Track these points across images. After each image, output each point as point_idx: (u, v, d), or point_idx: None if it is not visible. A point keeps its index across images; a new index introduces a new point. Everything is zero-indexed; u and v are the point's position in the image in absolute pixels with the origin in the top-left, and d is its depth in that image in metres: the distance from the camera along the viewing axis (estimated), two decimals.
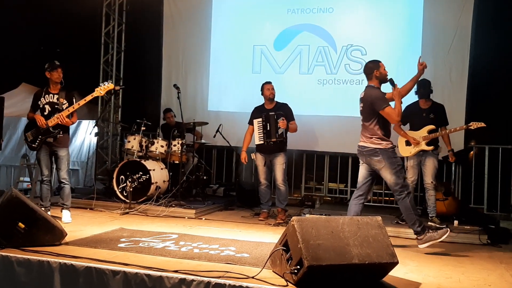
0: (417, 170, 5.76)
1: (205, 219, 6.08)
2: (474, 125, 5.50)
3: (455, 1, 6.93)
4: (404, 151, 5.80)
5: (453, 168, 7.12)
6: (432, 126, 5.67)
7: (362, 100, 4.71)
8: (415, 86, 5.76)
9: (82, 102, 5.37)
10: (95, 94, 5.38)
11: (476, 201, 7.03)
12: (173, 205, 6.32)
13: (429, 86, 5.74)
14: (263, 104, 6.22)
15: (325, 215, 5.83)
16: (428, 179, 5.67)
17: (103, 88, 5.38)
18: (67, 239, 4.33)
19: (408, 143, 5.76)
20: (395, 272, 3.56)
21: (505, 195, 6.74)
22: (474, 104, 6.82)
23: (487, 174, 6.81)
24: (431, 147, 5.65)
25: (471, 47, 6.79)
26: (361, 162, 4.76)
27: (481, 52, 6.82)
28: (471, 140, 7.05)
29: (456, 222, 5.57)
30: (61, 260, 3.69)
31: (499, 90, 6.93)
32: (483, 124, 5.43)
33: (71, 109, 5.38)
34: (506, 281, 3.75)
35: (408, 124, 5.92)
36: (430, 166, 5.67)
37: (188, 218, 6.05)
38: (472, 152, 7.17)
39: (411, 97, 5.82)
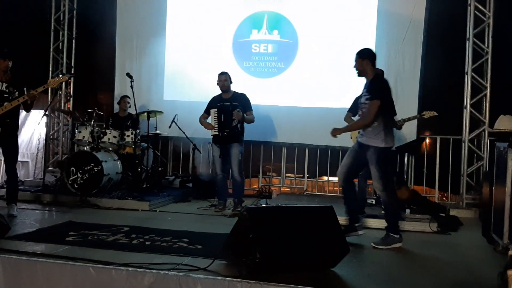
0: None
1: (159, 211, 5.97)
2: (427, 114, 5.58)
3: None
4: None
5: (405, 158, 7.26)
6: None
7: None
8: None
9: (33, 92, 5.12)
10: (47, 85, 5.20)
11: (428, 190, 7.22)
12: (127, 197, 6.16)
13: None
14: (221, 94, 6.14)
15: (280, 205, 5.82)
16: None
17: (56, 80, 5.26)
18: (11, 233, 4.15)
19: None
20: (347, 261, 3.58)
21: (455, 184, 6.94)
22: (427, 95, 6.96)
23: (438, 163, 6.98)
24: None
25: (424, 38, 6.91)
26: None
27: (433, 43, 6.95)
28: (425, 131, 7.22)
29: (407, 210, 5.68)
30: (4, 256, 3.53)
31: (450, 81, 7.10)
32: (435, 113, 5.54)
33: (21, 100, 5.13)
34: (453, 268, 3.85)
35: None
36: None
37: (142, 210, 5.90)
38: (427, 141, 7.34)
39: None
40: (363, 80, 6.54)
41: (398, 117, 5.80)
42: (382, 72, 4.61)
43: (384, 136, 4.39)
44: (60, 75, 5.23)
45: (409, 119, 5.80)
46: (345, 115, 5.94)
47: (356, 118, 5.88)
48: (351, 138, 5.97)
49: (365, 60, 4.54)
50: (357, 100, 5.91)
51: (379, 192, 4.60)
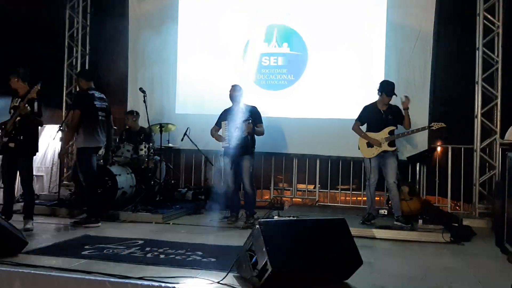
0: (378, 170, 5.82)
1: (172, 223, 6.02)
2: (435, 125, 5.61)
3: (418, 2, 7.07)
4: (367, 152, 5.81)
5: (417, 167, 7.26)
6: (393, 127, 5.76)
7: None
8: (381, 85, 5.84)
9: (22, 105, 5.08)
10: (30, 95, 5.09)
11: (440, 199, 7.19)
12: (140, 210, 6.23)
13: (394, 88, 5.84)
14: (231, 106, 6.21)
15: (293, 217, 5.83)
16: (391, 179, 5.72)
17: (34, 90, 5.10)
18: (28, 248, 4.22)
19: (369, 145, 5.80)
20: (360, 273, 3.59)
21: (468, 193, 6.90)
22: (437, 105, 6.97)
23: (450, 173, 6.96)
24: (393, 148, 5.73)
25: (433, 48, 6.94)
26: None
27: (443, 53, 6.97)
28: (436, 140, 7.20)
29: (420, 221, 5.66)
30: (21, 270, 3.60)
31: (461, 90, 7.09)
32: (443, 124, 5.56)
33: (15, 117, 5.18)
34: (467, 278, 3.84)
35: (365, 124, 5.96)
36: (391, 166, 5.72)
37: (155, 223, 5.96)
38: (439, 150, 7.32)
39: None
40: (371, 90, 6.59)
41: (413, 127, 5.83)
42: (88, 88, 5.85)
43: (83, 139, 5.61)
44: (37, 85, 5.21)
45: (417, 130, 5.81)
46: (353, 124, 5.94)
47: (364, 127, 5.94)
48: (359, 149, 5.96)
49: (79, 78, 5.96)
50: (366, 109, 5.95)
51: (84, 183, 5.66)
